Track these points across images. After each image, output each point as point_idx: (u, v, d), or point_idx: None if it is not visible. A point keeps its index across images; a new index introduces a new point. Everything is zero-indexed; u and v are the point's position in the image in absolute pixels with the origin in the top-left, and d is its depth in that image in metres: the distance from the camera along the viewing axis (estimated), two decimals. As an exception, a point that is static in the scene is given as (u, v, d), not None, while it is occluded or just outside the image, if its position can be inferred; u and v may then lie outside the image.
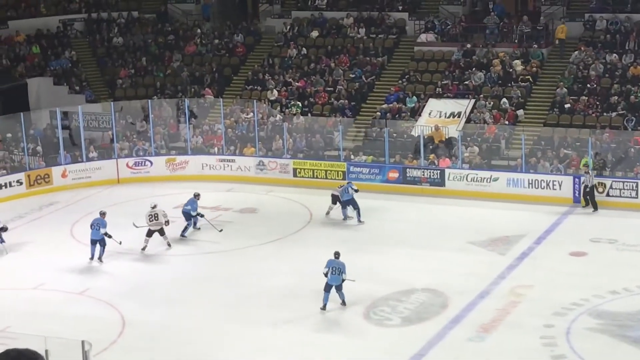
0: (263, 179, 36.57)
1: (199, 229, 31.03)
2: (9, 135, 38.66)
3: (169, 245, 29.44)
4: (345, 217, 31.43)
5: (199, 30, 46.61)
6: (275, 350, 22.01)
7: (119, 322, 24.11)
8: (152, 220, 29.09)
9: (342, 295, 24.30)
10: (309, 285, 25.83)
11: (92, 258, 28.46)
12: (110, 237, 28.39)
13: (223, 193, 35.16)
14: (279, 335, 22.84)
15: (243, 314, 24.19)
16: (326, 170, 36.08)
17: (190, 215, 30.49)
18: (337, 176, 35.66)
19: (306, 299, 24.92)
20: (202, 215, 30.82)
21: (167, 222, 29.18)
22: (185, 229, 30.48)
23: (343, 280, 24.17)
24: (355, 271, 26.44)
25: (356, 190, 31.42)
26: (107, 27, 47.54)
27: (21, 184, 36.23)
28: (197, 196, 31.02)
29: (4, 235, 29.55)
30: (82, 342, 18.34)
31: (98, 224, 28.51)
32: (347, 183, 32.23)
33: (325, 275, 24.19)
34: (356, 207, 31.07)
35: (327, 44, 44.34)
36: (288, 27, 45.55)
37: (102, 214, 29.15)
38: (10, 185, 36.00)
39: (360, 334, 22.90)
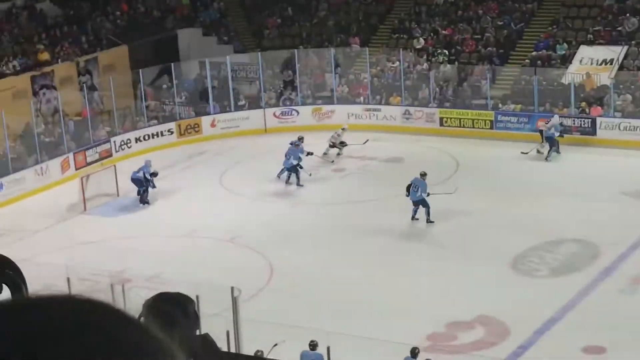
0: (409, 128, 36.36)
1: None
2: (164, 86, 39.43)
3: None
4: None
5: (345, -21, 46.42)
6: (419, 299, 21.99)
7: (267, 269, 24.48)
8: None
9: (425, 212, 26.52)
10: (456, 234, 25.68)
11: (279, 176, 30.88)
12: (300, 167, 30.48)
13: (369, 142, 35.11)
14: (424, 284, 22.80)
15: (389, 263, 24.22)
16: (473, 120, 35.64)
17: (295, 166, 30.74)
18: (485, 125, 35.20)
19: (454, 249, 24.80)
20: (311, 154, 31.62)
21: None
22: (297, 178, 30.69)
23: (424, 196, 26.41)
24: (504, 221, 26.20)
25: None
26: (254, -22, 47.80)
27: (172, 133, 37.00)
28: (301, 139, 31.36)
29: (155, 180, 30.33)
30: (232, 288, 18.68)
31: (290, 155, 30.43)
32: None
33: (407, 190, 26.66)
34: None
35: (475, -9, 43.53)
36: (435, -26, 44.91)
37: (300, 138, 31.64)
38: (162, 135, 36.81)
39: (508, 285, 22.67)
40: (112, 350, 1.33)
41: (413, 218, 27.21)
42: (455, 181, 30.51)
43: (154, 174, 30.36)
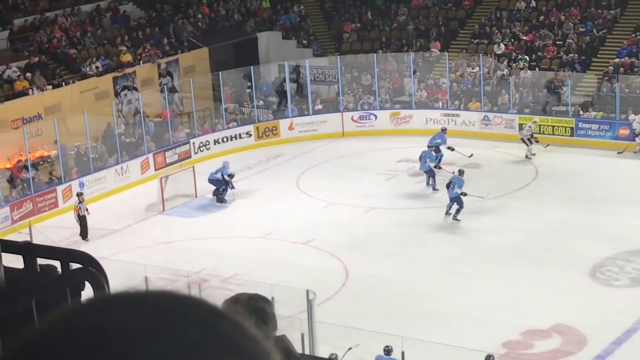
0: (488, 134, 36.11)
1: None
2: (247, 90, 39.69)
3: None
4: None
5: (426, -16, 46.29)
6: (495, 306, 21.82)
7: (342, 272, 24.51)
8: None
9: (456, 208, 27.19)
10: (533, 243, 25.45)
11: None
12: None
13: (447, 148, 34.91)
14: (500, 291, 22.61)
15: (465, 268, 24.08)
16: (553, 126, 35.27)
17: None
18: (565, 132, 34.81)
19: (530, 257, 24.55)
20: (452, 149, 32.24)
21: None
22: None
23: (460, 194, 27.05)
24: (583, 229, 25.92)
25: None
26: (334, -18, 47.93)
27: (250, 135, 37.27)
28: (444, 130, 32.79)
29: (233, 181, 30.66)
30: (307, 291, 18.75)
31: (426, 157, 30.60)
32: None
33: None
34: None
35: (557, -4, 43.11)
36: (517, -21, 44.56)
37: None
38: (240, 137, 37.09)
39: (586, 294, 22.38)
40: (214, 347, 1.32)
41: (446, 213, 28.00)
42: (534, 187, 30.24)
43: (231, 175, 30.66)
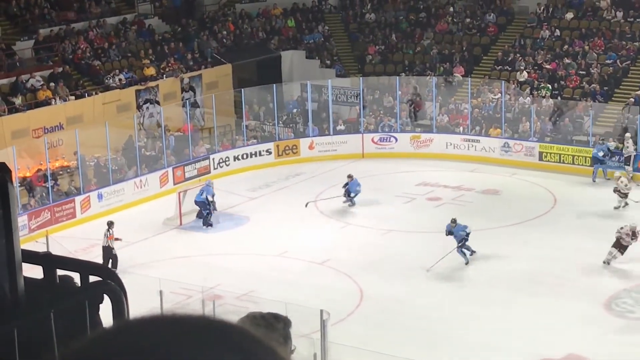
0: (507, 161, 36.05)
1: None
2: (264, 108, 39.77)
3: None
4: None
5: (451, 9, 46.37)
6: (508, 334, 21.75)
7: (357, 293, 24.48)
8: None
9: (462, 254, 26.32)
10: (549, 271, 25.37)
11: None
12: None
13: (467, 173, 34.89)
14: (514, 319, 22.54)
15: (479, 295, 24.01)
16: (573, 156, 35.19)
17: None
18: (585, 162, 34.72)
19: (545, 285, 24.48)
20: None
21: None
22: None
23: (460, 241, 26.23)
24: (599, 260, 25.83)
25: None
26: (360, 3, 48.04)
27: (270, 153, 37.33)
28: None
29: (252, 199, 30.56)
30: (321, 311, 18.73)
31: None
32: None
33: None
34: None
35: (581, 26, 43.09)
36: (542, 8, 44.58)
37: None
38: (260, 155, 37.16)
39: (600, 325, 22.28)
40: None
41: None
42: (551, 216, 30.13)
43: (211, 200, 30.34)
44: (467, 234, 26.37)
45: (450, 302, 23.72)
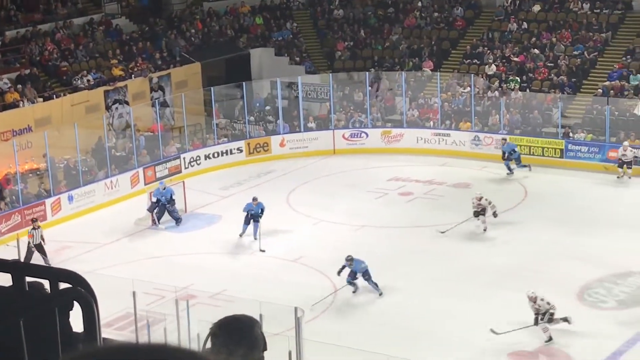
0: (478, 154, 36.17)
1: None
2: (237, 108, 39.70)
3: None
4: None
5: (419, 4, 46.45)
6: (482, 328, 21.81)
7: (330, 290, 24.47)
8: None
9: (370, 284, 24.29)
10: (521, 264, 25.48)
11: None
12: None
13: (438, 167, 35.00)
14: (487, 313, 22.61)
15: (451, 289, 24.07)
16: (543, 148, 35.36)
17: None
18: (555, 154, 34.90)
19: (517, 279, 24.56)
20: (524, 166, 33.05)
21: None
22: None
23: (365, 274, 24.23)
24: (571, 251, 25.98)
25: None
26: (328, -1, 48.12)
27: (241, 151, 37.26)
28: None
29: (220, 199, 30.54)
30: (295, 308, 18.71)
31: None
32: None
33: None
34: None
35: (549, 19, 43.30)
36: (509, 1, 44.76)
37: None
38: (231, 153, 37.09)
39: (573, 316, 22.38)
40: None
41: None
42: (523, 208, 30.27)
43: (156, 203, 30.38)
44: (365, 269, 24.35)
45: (424, 297, 23.77)
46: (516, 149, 34.33)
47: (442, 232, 27.98)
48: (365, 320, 22.65)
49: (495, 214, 28.43)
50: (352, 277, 24.41)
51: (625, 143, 32.95)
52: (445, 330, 21.76)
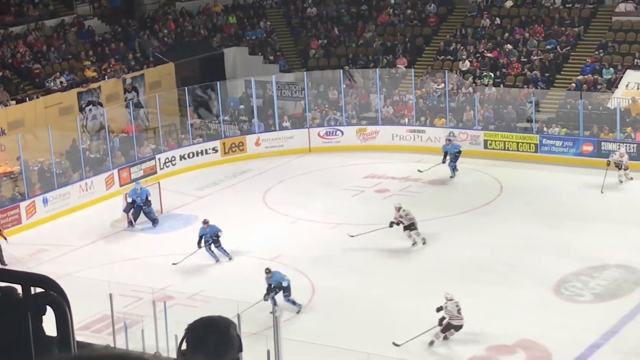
0: (453, 150, 36.18)
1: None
2: (210, 107, 39.65)
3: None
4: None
5: (392, 1, 46.51)
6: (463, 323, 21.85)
7: (308, 288, 24.47)
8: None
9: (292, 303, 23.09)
10: (498, 259, 25.56)
11: None
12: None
13: (413, 164, 35.02)
14: (465, 307, 22.63)
15: (430, 285, 24.10)
16: (518, 143, 35.48)
17: None
18: (530, 148, 35.02)
19: (494, 273, 24.66)
20: None
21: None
22: None
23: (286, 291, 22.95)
24: (547, 245, 26.10)
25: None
26: (301, -2, 48.08)
27: (216, 151, 37.17)
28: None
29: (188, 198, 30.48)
30: (273, 307, 18.71)
31: None
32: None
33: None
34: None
35: (521, 14, 43.46)
36: (482, -3, 44.91)
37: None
38: (206, 153, 36.99)
39: (550, 309, 22.50)
40: None
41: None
42: (498, 203, 30.37)
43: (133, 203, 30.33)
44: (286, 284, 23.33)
45: (401, 294, 23.79)
46: (461, 150, 33.97)
47: (352, 236, 27.47)
48: (343, 318, 22.64)
49: (412, 232, 27.07)
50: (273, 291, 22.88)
51: (622, 150, 32.65)
52: (424, 325, 21.77)
